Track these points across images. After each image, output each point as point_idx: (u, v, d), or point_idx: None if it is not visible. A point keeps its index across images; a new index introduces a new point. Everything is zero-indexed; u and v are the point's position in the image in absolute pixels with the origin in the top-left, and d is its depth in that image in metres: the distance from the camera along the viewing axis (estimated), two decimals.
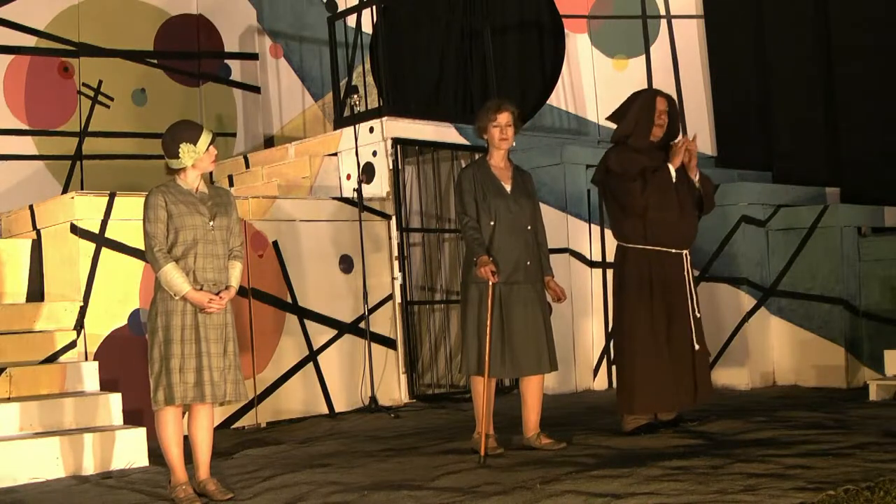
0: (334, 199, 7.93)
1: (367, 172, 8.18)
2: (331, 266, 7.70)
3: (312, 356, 7.49)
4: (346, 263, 7.76)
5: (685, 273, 5.75)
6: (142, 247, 4.80)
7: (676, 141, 5.81)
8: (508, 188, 5.59)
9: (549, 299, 5.63)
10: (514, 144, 5.67)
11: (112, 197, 6.67)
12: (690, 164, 5.77)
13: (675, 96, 8.24)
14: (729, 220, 8.08)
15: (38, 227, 6.96)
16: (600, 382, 8.14)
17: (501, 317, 5.43)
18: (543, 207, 6.61)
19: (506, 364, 5.45)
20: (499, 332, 5.42)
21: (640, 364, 5.66)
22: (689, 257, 5.80)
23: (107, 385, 6.24)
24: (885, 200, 8.30)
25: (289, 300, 7.42)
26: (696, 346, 5.71)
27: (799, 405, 6.63)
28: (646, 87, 9.99)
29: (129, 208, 6.60)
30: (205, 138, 4.75)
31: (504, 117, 5.58)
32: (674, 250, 5.74)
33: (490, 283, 5.37)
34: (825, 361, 7.76)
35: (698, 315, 5.75)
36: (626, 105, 5.97)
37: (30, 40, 9.51)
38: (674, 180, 5.70)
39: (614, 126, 5.99)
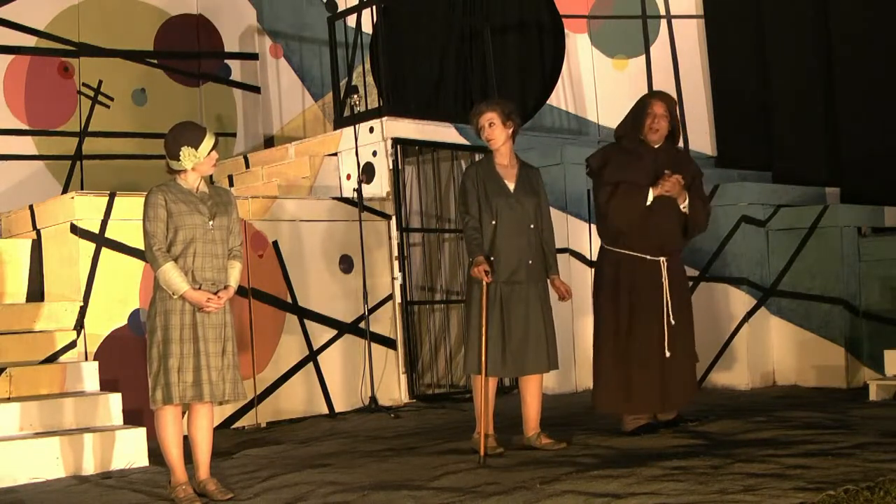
0: (334, 199, 7.93)
1: (367, 172, 8.18)
2: (331, 266, 7.70)
3: (312, 356, 7.48)
4: (346, 263, 7.76)
5: (661, 279, 5.67)
6: (142, 247, 4.80)
7: (667, 173, 5.60)
8: (512, 186, 5.57)
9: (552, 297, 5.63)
10: (501, 140, 5.55)
11: (112, 197, 6.67)
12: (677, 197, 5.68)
13: (675, 96, 8.21)
14: (729, 220, 8.07)
15: (38, 227, 6.96)
16: None
17: (502, 317, 5.43)
18: None
19: (507, 363, 5.45)
20: (499, 331, 5.42)
21: (601, 362, 5.71)
22: (667, 264, 5.69)
23: (107, 385, 6.24)
24: (885, 200, 8.29)
25: (289, 300, 7.42)
26: (668, 354, 5.61)
27: (799, 405, 6.62)
28: (645, 87, 10.01)
29: (129, 208, 6.60)
30: (207, 143, 4.75)
31: (485, 118, 5.54)
32: (648, 257, 5.69)
33: (484, 283, 5.37)
34: (825, 361, 7.76)
35: (672, 322, 5.62)
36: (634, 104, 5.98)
37: (30, 40, 9.50)
38: (649, 202, 5.62)
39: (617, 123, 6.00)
